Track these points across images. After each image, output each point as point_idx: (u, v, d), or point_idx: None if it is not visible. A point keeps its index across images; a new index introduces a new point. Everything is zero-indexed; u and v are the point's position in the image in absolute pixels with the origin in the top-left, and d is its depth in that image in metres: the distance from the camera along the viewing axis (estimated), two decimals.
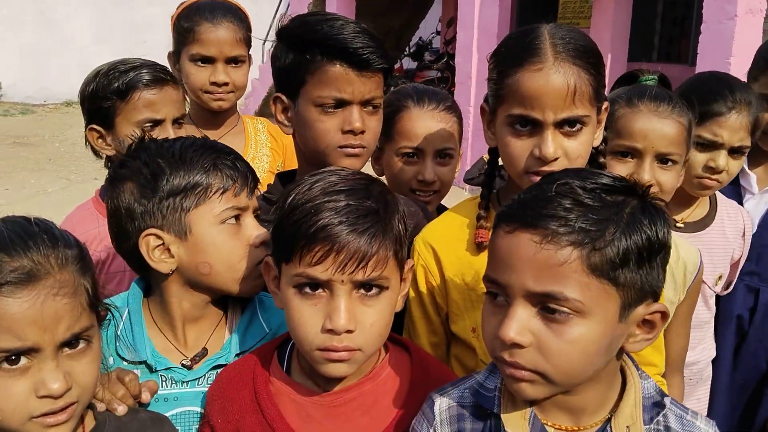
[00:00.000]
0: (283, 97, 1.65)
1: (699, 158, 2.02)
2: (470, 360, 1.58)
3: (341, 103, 1.58)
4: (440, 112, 2.01)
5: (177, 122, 1.95)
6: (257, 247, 1.43)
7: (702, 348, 2.18)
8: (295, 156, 2.48)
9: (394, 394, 1.32)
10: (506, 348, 1.06)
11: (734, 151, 2.03)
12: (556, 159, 1.39)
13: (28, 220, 1.14)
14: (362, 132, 1.59)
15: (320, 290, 1.21)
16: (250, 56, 2.44)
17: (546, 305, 1.04)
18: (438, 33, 12.99)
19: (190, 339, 1.46)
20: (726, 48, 4.54)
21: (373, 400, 1.31)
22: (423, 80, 11.23)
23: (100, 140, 1.96)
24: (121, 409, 1.25)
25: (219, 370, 1.43)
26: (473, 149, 8.21)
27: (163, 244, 1.38)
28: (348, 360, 1.23)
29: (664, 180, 1.80)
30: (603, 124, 1.51)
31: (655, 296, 1.10)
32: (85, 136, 1.99)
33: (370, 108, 1.62)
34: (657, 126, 1.77)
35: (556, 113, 1.37)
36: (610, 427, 1.13)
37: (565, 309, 1.03)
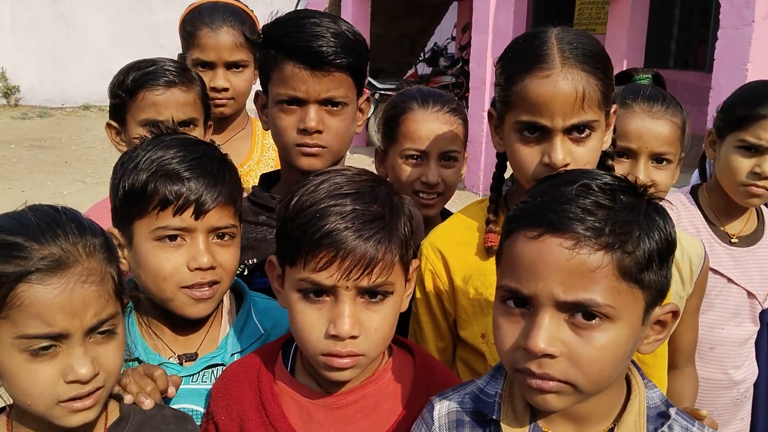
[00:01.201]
0: (262, 94, 1.69)
1: (744, 164, 1.97)
2: (479, 364, 1.56)
3: (299, 101, 1.59)
4: (445, 114, 2.00)
5: (185, 125, 1.92)
6: (192, 270, 1.37)
7: (749, 365, 2.14)
8: None
9: (396, 397, 1.31)
10: (533, 359, 1.02)
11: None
12: (566, 165, 1.37)
13: (55, 208, 1.15)
14: (319, 132, 1.59)
15: (324, 296, 1.20)
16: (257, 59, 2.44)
17: (575, 313, 1.01)
18: (453, 39, 12.99)
19: (180, 338, 1.46)
20: (743, 54, 4.51)
21: (376, 402, 1.30)
22: (437, 86, 11.23)
23: (116, 136, 1.98)
24: (148, 403, 1.26)
25: (213, 369, 1.44)
26: (487, 153, 8.19)
27: (119, 244, 1.37)
28: (352, 366, 1.22)
29: (659, 179, 1.80)
30: (612, 127, 1.50)
31: (664, 295, 1.08)
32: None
33: (331, 107, 1.60)
34: (651, 126, 1.79)
35: (564, 120, 1.36)
36: None
37: (596, 314, 1.00)
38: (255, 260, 1.69)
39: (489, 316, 1.49)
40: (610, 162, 1.57)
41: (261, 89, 1.70)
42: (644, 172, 1.79)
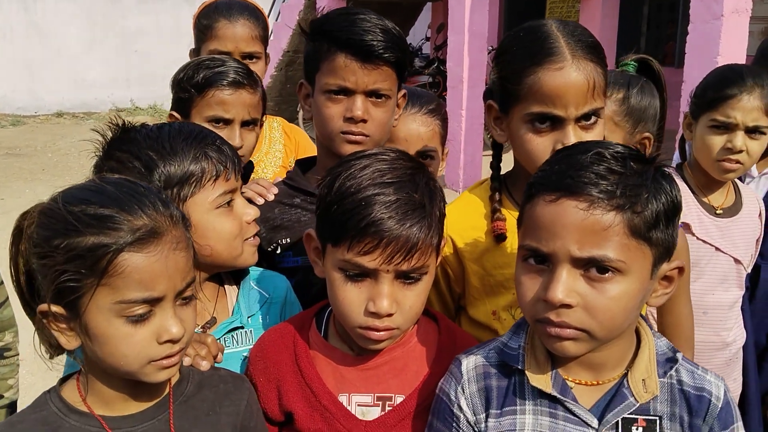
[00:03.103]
0: (306, 84, 1.77)
1: (716, 141, 2.15)
2: None
3: (346, 92, 1.67)
4: (423, 115, 1.99)
5: (247, 125, 2.01)
6: (249, 223, 1.54)
7: (738, 327, 2.28)
8: (307, 152, 2.55)
9: (422, 360, 1.41)
10: (552, 309, 1.14)
11: (751, 132, 2.13)
12: None
13: (131, 182, 1.22)
14: (364, 121, 1.67)
15: (365, 276, 1.29)
16: (267, 55, 2.54)
17: (590, 267, 1.12)
18: (427, 39, 13.07)
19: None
20: (714, 47, 4.63)
21: (403, 364, 1.40)
22: (415, 85, 11.28)
23: None
24: (205, 364, 1.35)
25: (234, 334, 1.55)
26: (465, 152, 8.28)
27: None
28: (387, 339, 1.33)
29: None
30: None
31: (671, 253, 1.19)
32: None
33: (375, 98, 1.69)
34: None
35: (577, 109, 1.44)
36: (627, 380, 1.23)
37: (609, 268, 1.11)
38: (288, 240, 1.77)
39: (500, 296, 1.60)
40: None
41: (305, 80, 1.77)
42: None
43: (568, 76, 1.43)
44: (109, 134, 1.49)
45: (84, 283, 1.11)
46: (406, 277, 1.30)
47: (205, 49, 2.42)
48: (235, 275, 1.64)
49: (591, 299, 1.13)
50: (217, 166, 1.47)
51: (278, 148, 2.60)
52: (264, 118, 2.57)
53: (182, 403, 1.28)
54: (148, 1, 15.18)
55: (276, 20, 12.44)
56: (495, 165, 1.71)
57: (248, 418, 1.34)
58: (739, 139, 2.11)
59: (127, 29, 15.00)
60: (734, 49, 4.63)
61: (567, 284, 1.13)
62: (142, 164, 1.43)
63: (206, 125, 1.87)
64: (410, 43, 13.06)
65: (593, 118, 1.47)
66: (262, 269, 1.68)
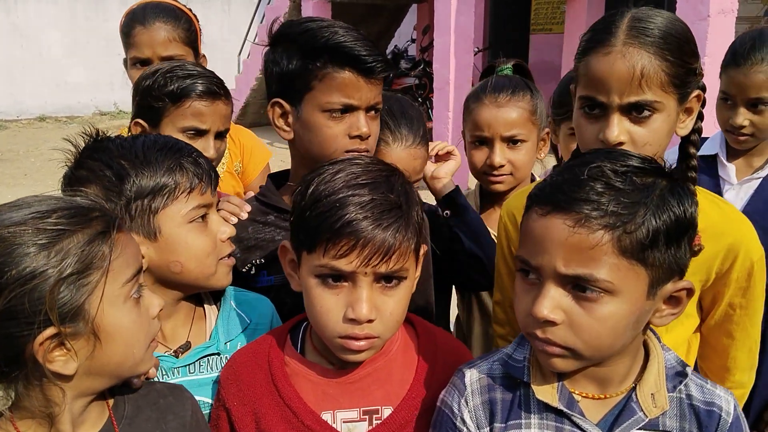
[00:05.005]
0: (283, 102, 1.66)
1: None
2: None
3: (348, 109, 1.61)
4: (416, 147, 1.92)
5: (220, 136, 1.98)
6: (223, 242, 1.47)
7: None
8: (254, 155, 2.56)
9: (406, 366, 1.37)
10: (539, 325, 1.11)
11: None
12: (621, 144, 1.38)
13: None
14: (369, 137, 1.63)
15: (342, 281, 1.25)
16: (202, 55, 2.46)
17: (577, 284, 1.08)
18: (413, 41, 13.04)
19: (167, 334, 1.48)
20: (700, 48, 4.59)
21: (386, 374, 1.36)
22: (401, 87, 11.25)
23: None
24: (136, 381, 1.27)
25: (209, 359, 1.48)
26: None
27: None
28: (368, 348, 1.28)
29: (516, 158, 2.05)
30: (695, 113, 1.49)
31: (682, 273, 1.14)
32: (129, 127, 2.01)
33: (373, 113, 1.66)
34: (497, 114, 2.03)
35: (621, 97, 1.37)
36: (636, 394, 1.19)
37: (595, 288, 1.07)
38: (263, 260, 1.71)
39: None
40: (692, 150, 1.54)
41: (279, 99, 1.66)
42: (500, 155, 2.03)
43: (613, 61, 1.36)
44: (81, 143, 1.44)
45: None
46: (385, 280, 1.25)
47: (128, 57, 2.36)
48: (215, 295, 1.57)
49: (576, 318, 1.09)
50: (192, 180, 1.41)
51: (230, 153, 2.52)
52: None
53: (126, 426, 1.21)
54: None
55: (261, 23, 12.37)
56: (576, 152, 1.61)
57: (195, 428, 1.29)
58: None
59: (110, 32, 14.83)
60: (720, 50, 4.59)
61: (553, 300, 1.09)
62: (113, 173, 1.37)
63: (179, 136, 1.82)
64: (395, 45, 13.04)
65: (646, 112, 1.38)
66: (244, 290, 1.61)
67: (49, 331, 1.04)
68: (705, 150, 2.33)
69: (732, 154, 2.32)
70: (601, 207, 1.06)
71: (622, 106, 1.38)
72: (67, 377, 1.08)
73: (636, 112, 1.39)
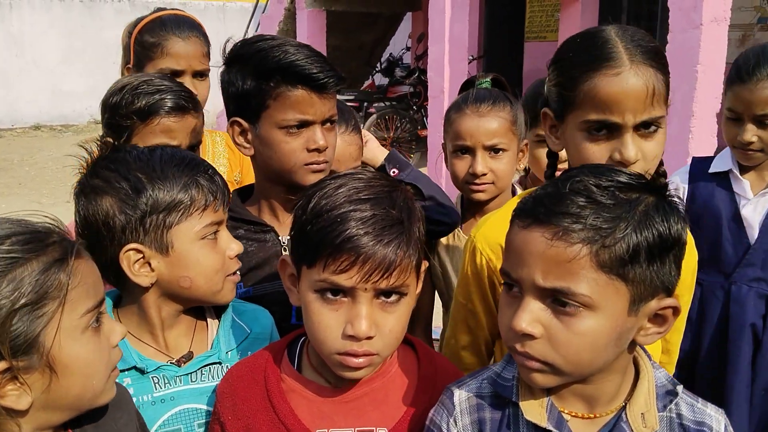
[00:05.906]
0: (241, 121, 1.71)
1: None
2: None
3: (304, 124, 1.66)
4: (349, 134, 2.05)
5: (192, 149, 1.97)
6: (231, 258, 1.49)
7: None
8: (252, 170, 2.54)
9: (404, 389, 1.36)
10: (519, 338, 1.10)
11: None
12: (636, 162, 1.39)
13: None
14: (324, 149, 1.68)
15: (341, 296, 1.23)
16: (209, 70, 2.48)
17: (556, 298, 1.08)
18: (408, 49, 13.07)
19: (170, 343, 1.49)
20: (693, 56, 4.63)
21: (384, 395, 1.34)
22: (396, 95, 11.26)
23: None
24: None
25: (211, 368, 1.48)
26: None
27: (143, 258, 1.39)
28: (367, 366, 1.26)
29: (497, 167, 2.09)
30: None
31: (668, 291, 1.12)
32: (98, 145, 1.99)
33: (329, 125, 1.70)
34: (479, 123, 2.08)
35: (635, 116, 1.38)
36: (625, 414, 1.17)
37: (574, 303, 1.06)
38: (237, 271, 1.71)
39: None
40: (663, 168, 1.56)
41: (237, 118, 1.72)
42: (482, 163, 2.07)
43: (626, 81, 1.36)
44: (97, 152, 1.45)
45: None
46: (385, 296, 1.24)
47: (153, 67, 2.32)
48: (216, 307, 1.58)
49: (555, 332, 1.08)
50: (207, 196, 1.42)
51: (222, 162, 2.54)
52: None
53: None
54: (126, 12, 15.07)
55: (256, 30, 12.39)
56: (550, 174, 1.65)
57: (139, 416, 1.31)
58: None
59: (105, 41, 14.87)
60: (713, 58, 4.64)
61: (532, 314, 1.08)
62: (129, 185, 1.38)
63: None
64: (390, 53, 13.07)
65: (653, 127, 1.41)
66: (244, 302, 1.63)
67: (1, 365, 0.99)
68: (716, 166, 2.35)
69: (743, 169, 2.32)
70: (580, 220, 1.05)
71: (635, 124, 1.39)
72: (21, 412, 1.03)
73: (644, 128, 1.40)
